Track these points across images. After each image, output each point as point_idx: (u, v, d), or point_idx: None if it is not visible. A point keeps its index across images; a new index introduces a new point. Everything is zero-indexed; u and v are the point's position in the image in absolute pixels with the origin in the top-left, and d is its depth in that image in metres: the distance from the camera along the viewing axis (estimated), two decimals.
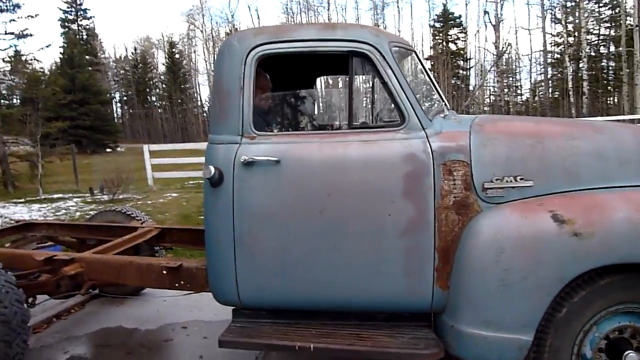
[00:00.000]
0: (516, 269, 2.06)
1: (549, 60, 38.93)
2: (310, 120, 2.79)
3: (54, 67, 39.30)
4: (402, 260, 2.24)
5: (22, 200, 12.29)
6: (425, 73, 2.77)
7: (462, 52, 44.73)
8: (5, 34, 15.67)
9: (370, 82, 2.35)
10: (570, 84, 31.05)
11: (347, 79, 2.36)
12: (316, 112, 2.93)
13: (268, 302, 2.43)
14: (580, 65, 31.21)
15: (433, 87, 2.80)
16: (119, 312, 4.07)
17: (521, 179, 2.20)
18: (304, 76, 3.14)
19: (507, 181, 2.20)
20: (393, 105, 2.27)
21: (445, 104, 2.83)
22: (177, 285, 2.88)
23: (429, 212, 2.20)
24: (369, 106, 2.60)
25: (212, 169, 2.28)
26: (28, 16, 15.83)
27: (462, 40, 44.65)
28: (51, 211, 10.10)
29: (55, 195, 12.91)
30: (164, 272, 2.87)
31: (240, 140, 2.34)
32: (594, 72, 34.83)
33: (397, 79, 2.26)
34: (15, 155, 15.21)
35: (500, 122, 2.49)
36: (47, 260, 3.05)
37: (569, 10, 35.44)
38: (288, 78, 2.98)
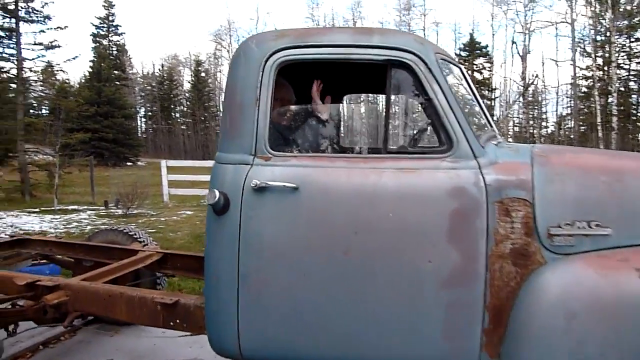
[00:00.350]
0: (592, 340, 1.61)
1: (578, 94, 38.21)
2: (336, 142, 2.40)
3: (83, 80, 40.15)
4: (443, 318, 1.81)
5: (37, 210, 12.14)
6: (472, 93, 2.37)
7: (487, 81, 44.25)
8: (35, 44, 15.86)
9: (409, 98, 1.97)
10: (599, 119, 30.25)
11: (383, 95, 1.98)
12: (343, 132, 2.55)
13: (274, 357, 2.01)
14: (610, 100, 30.46)
15: (481, 110, 2.40)
16: (112, 343, 3.67)
17: (597, 225, 1.76)
18: (329, 90, 2.76)
19: (578, 227, 1.76)
20: (438, 127, 1.88)
21: (494, 130, 2.43)
22: (172, 324, 2.48)
23: (479, 260, 1.78)
24: (407, 127, 2.21)
25: (217, 193, 1.90)
26: (57, 27, 16.04)
27: (488, 70, 44.23)
28: (62, 223, 9.88)
29: (70, 207, 12.76)
30: (158, 307, 2.48)
31: (253, 160, 1.96)
32: (623, 107, 33.97)
33: (445, 95, 1.86)
34: (35, 165, 15.21)
35: (567, 153, 2.07)
36: (29, 286, 2.69)
37: (598, 44, 34.92)
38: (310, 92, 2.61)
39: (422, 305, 1.81)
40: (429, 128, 1.92)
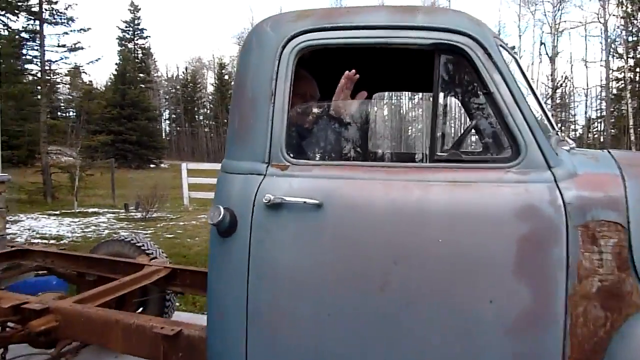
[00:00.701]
0: None
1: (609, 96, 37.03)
2: (369, 147, 2.00)
3: (109, 83, 40.69)
4: None
5: (58, 212, 12.07)
6: (530, 91, 1.96)
7: None
8: (58, 46, 15.91)
9: (463, 92, 1.58)
10: (631, 121, 29.17)
11: (428, 92, 1.59)
12: (378, 135, 2.15)
13: None
14: None
15: (541, 109, 1.99)
16: None
17: None
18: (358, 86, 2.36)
19: None
20: (501, 128, 1.48)
21: (558, 133, 2.01)
22: (174, 357, 2.13)
23: (556, 301, 1.37)
24: (459, 129, 1.80)
25: (222, 210, 1.54)
26: (80, 30, 16.06)
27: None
28: (81, 226, 9.73)
29: (91, 210, 12.66)
30: (159, 338, 2.13)
31: (266, 169, 1.58)
32: None
33: (509, 88, 1.47)
34: (57, 166, 15.21)
35: None
36: (15, 309, 2.37)
37: (630, 44, 33.75)
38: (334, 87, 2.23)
39: (480, 356, 1.41)
40: (488, 129, 1.52)
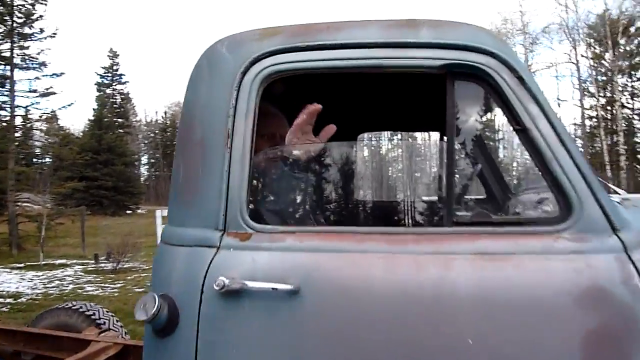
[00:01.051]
0: None
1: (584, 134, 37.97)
2: (360, 207, 1.56)
3: (86, 129, 40.15)
4: None
5: (22, 265, 11.31)
6: None
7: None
8: (29, 92, 15.44)
9: (487, 129, 1.19)
10: (607, 158, 29.68)
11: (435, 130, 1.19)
12: (373, 189, 1.72)
13: None
14: (616, 139, 30.03)
15: None
16: None
17: None
18: (339, 126, 1.93)
19: None
20: (544, 177, 1.08)
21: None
22: None
23: None
24: (484, 179, 1.39)
25: (156, 299, 1.08)
26: (53, 74, 15.66)
27: None
28: (44, 281, 9.02)
29: (58, 261, 11.92)
30: None
31: (220, 240, 1.14)
32: (626, 147, 33.43)
33: (551, 123, 1.08)
34: (25, 215, 14.45)
35: None
36: None
37: (601, 84, 34.90)
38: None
39: None
40: (524, 178, 1.13)
